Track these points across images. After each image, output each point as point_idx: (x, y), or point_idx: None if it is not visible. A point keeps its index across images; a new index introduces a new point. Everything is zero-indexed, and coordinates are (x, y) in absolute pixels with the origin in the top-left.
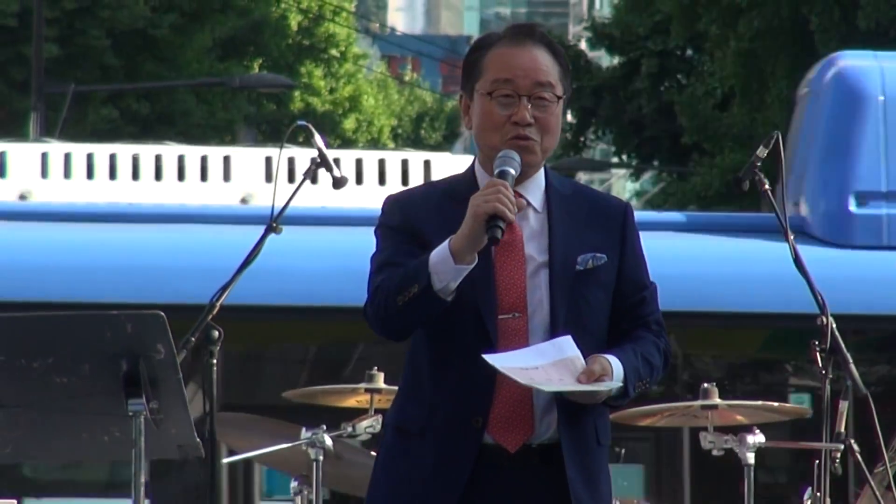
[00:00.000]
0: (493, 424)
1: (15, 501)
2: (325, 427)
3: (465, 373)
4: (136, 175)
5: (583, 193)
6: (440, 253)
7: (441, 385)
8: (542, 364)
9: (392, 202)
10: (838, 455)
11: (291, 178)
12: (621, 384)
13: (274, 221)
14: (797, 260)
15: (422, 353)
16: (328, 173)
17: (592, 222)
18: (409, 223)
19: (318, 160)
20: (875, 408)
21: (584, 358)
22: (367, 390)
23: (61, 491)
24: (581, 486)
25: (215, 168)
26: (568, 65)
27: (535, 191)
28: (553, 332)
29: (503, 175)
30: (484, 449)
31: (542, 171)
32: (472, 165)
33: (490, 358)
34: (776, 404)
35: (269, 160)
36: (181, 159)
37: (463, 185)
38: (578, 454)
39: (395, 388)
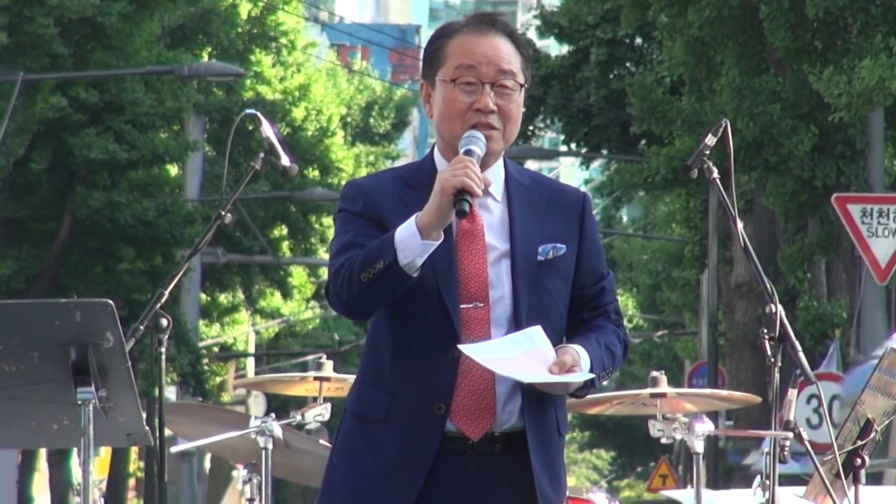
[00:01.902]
0: (456, 412)
1: None
2: (273, 415)
3: (428, 361)
4: None
5: (541, 183)
6: (407, 229)
7: (403, 372)
8: (515, 354)
9: (354, 188)
10: (787, 443)
11: None
12: (593, 375)
13: (223, 209)
14: (746, 249)
15: (382, 341)
16: (277, 162)
17: (552, 212)
18: (371, 209)
19: (268, 149)
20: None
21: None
22: (316, 378)
23: None
24: (543, 474)
25: None
26: (529, 55)
27: (494, 180)
28: (516, 322)
29: (470, 153)
30: (446, 436)
31: (501, 160)
32: (431, 153)
33: (466, 348)
34: (725, 392)
35: None
36: None
37: (422, 173)
38: (541, 443)
39: (344, 376)
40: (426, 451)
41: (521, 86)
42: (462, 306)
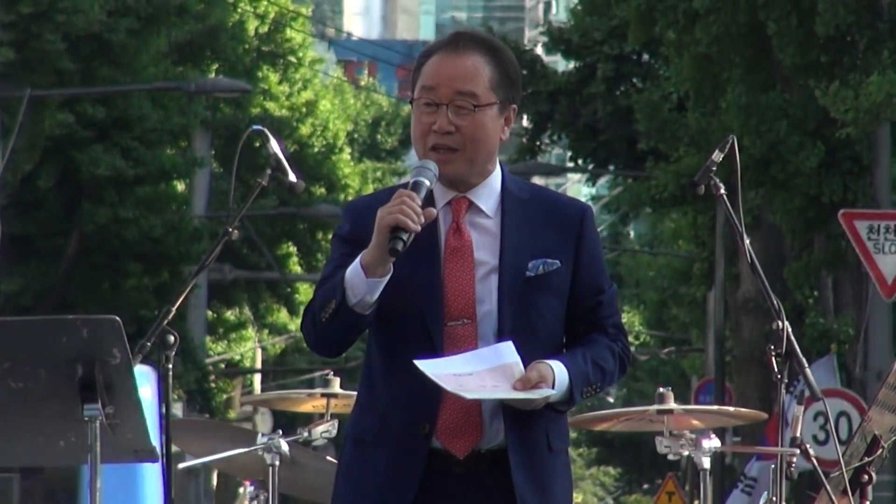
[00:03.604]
0: (442, 431)
1: None
2: (280, 432)
3: (413, 381)
4: None
5: (542, 197)
6: (353, 267)
7: (392, 394)
8: (479, 370)
9: (346, 209)
10: (794, 460)
11: None
12: (555, 392)
13: (230, 226)
14: (753, 265)
15: (374, 363)
16: (284, 178)
17: (548, 226)
18: (356, 232)
19: (275, 165)
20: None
21: (528, 364)
22: (323, 395)
23: None
24: (530, 492)
25: None
26: (511, 69)
27: (488, 196)
28: (501, 338)
29: (416, 185)
30: (434, 455)
31: (497, 175)
32: None
33: (421, 364)
34: (732, 409)
35: None
36: None
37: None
38: (526, 458)
39: (351, 393)
40: (413, 471)
41: (485, 105)
42: (450, 324)
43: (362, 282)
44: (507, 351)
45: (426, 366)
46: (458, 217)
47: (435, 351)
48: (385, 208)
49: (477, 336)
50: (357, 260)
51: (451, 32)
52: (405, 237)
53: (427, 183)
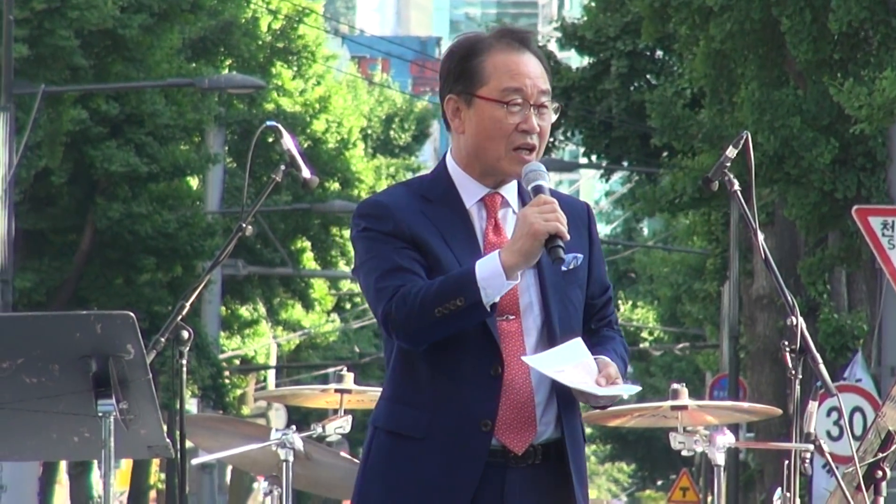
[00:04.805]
0: (500, 427)
1: None
2: (294, 427)
3: (471, 378)
4: None
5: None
6: (490, 268)
7: (443, 389)
8: (566, 367)
9: (377, 207)
10: (808, 455)
11: None
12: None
13: (244, 221)
14: (767, 261)
15: (418, 359)
16: (298, 174)
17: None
18: (402, 229)
19: (289, 161)
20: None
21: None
22: (337, 391)
23: None
24: (578, 483)
25: None
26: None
27: (512, 192)
28: (549, 333)
29: (540, 190)
30: (489, 451)
31: None
32: (444, 165)
33: (531, 360)
34: (746, 405)
35: None
36: None
37: (439, 186)
38: (574, 451)
39: (365, 388)
40: (473, 467)
41: (552, 102)
42: (497, 319)
43: (502, 283)
44: (581, 348)
45: (536, 362)
46: (495, 213)
47: (495, 346)
48: (536, 215)
49: (522, 331)
50: (494, 262)
51: (499, 28)
52: (563, 245)
53: (547, 185)
